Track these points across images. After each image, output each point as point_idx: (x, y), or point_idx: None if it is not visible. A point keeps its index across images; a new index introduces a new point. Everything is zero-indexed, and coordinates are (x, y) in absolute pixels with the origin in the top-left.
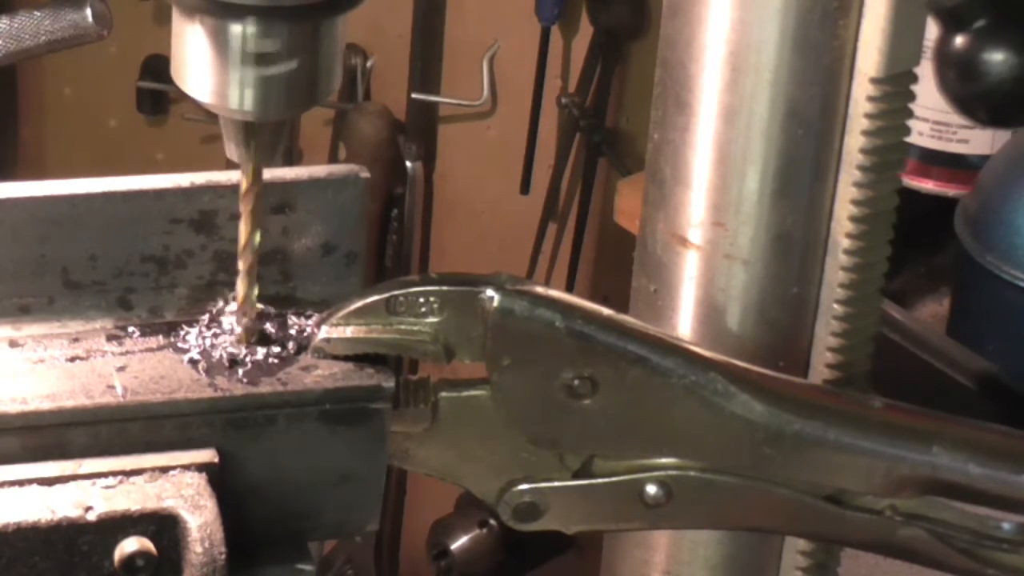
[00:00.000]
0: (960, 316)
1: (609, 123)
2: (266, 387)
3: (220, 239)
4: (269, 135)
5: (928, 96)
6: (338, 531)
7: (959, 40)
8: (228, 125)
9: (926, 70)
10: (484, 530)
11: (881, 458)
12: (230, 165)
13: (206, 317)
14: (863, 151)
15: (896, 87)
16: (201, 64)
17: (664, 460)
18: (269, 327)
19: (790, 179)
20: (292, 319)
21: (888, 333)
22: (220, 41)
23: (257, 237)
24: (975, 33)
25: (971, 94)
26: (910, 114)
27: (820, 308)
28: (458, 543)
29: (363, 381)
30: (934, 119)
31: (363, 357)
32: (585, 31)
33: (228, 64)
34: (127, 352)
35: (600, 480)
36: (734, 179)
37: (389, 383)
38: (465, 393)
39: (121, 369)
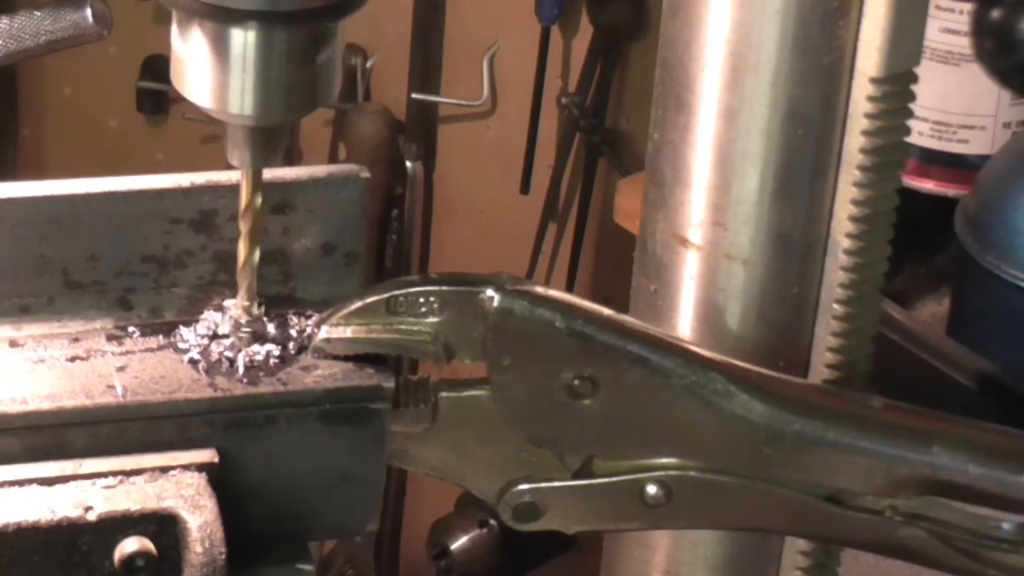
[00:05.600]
0: (960, 316)
1: (609, 123)
2: (266, 387)
3: (220, 239)
4: (269, 139)
5: (928, 96)
6: (338, 531)
7: (996, 12)
8: (228, 130)
9: (926, 70)
10: (484, 530)
11: (881, 458)
12: (230, 165)
13: (206, 317)
14: (863, 151)
15: (896, 87)
16: (201, 68)
17: (664, 460)
18: (269, 327)
19: (790, 179)
20: (292, 319)
21: (888, 333)
22: (220, 45)
23: (256, 255)
24: (1012, 4)
25: (1009, 64)
26: (910, 114)
27: (820, 308)
28: (458, 543)
29: (363, 381)
30: (934, 119)
31: (363, 357)
32: (585, 31)
33: (228, 68)
34: (127, 352)
35: (600, 480)
36: (734, 179)
37: (389, 383)
38: (465, 393)
39: (121, 369)
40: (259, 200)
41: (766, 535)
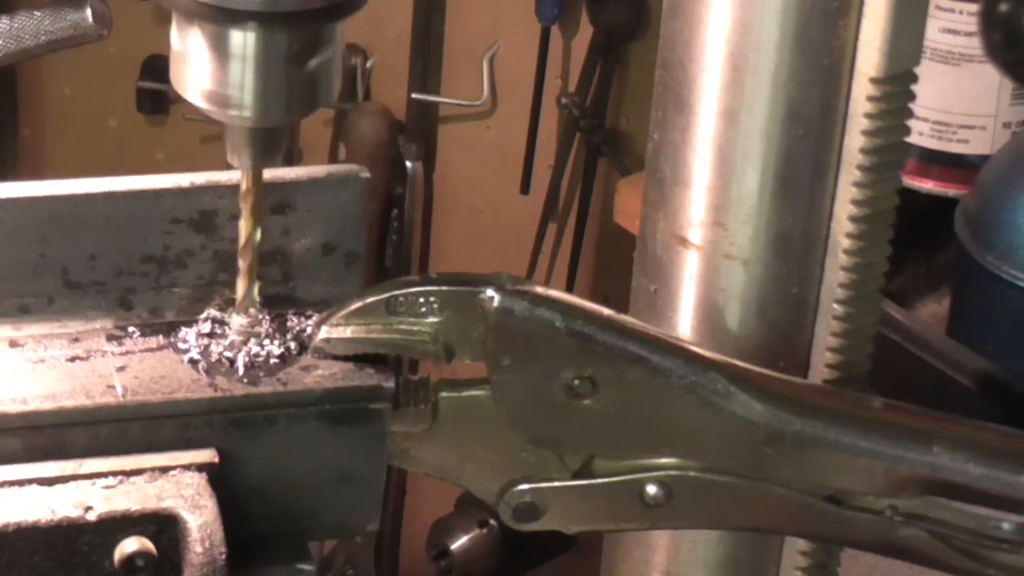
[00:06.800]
0: (960, 316)
1: (609, 123)
2: (266, 387)
3: (220, 239)
4: (269, 140)
5: (928, 96)
6: (338, 531)
7: (1004, 5)
8: (228, 130)
9: (926, 70)
10: (484, 530)
11: (881, 458)
12: (230, 165)
13: (206, 317)
14: (863, 151)
15: (896, 87)
16: (200, 69)
17: (664, 460)
18: (269, 327)
19: (790, 179)
20: (292, 319)
21: (888, 333)
22: (220, 47)
23: (258, 235)
24: None
25: (1017, 58)
26: (910, 114)
27: (820, 308)
28: (458, 543)
29: (363, 381)
30: (934, 119)
31: (363, 357)
32: (585, 31)
33: (228, 69)
34: (127, 352)
35: (600, 480)
36: (734, 179)
37: (389, 383)
38: (465, 393)
39: (121, 369)
40: (258, 236)
41: (766, 535)
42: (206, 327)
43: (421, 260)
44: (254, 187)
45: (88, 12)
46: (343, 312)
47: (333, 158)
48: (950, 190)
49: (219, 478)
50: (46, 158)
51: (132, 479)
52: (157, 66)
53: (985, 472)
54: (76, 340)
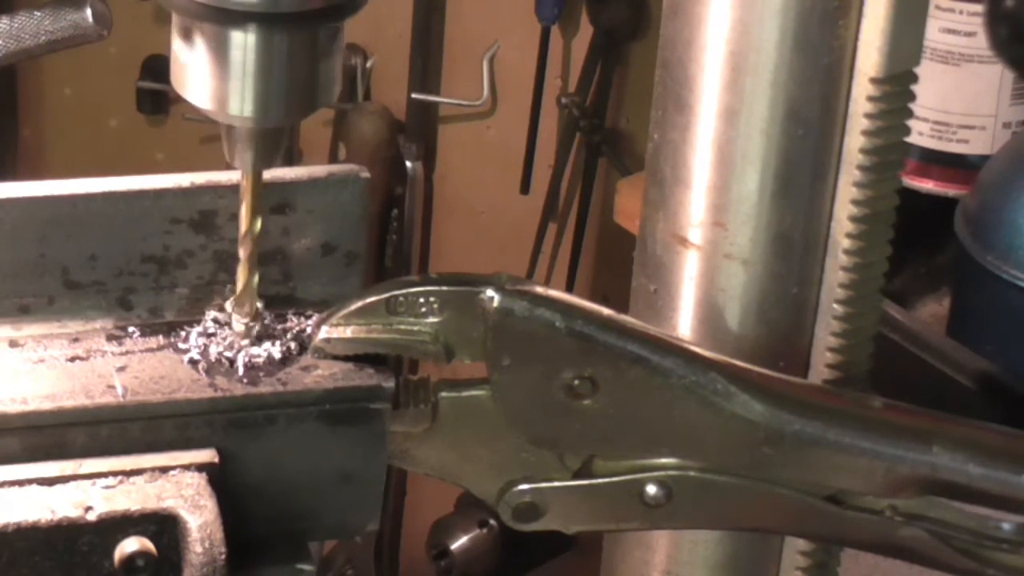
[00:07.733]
0: (960, 316)
1: (609, 123)
2: (266, 387)
3: (220, 239)
4: (270, 140)
5: (928, 96)
6: (338, 531)
7: (1010, 0)
8: (228, 131)
9: (926, 70)
10: (484, 530)
11: (881, 458)
12: (230, 165)
13: (206, 317)
14: (863, 151)
15: (896, 87)
16: (201, 70)
17: (664, 460)
18: (269, 327)
19: (790, 179)
20: (292, 319)
21: (888, 333)
22: (220, 48)
23: (258, 224)
24: None
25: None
26: (910, 114)
27: (820, 308)
28: (458, 543)
29: (363, 381)
30: (934, 119)
31: (363, 357)
32: (585, 31)
33: (228, 70)
34: (127, 352)
35: (600, 480)
36: (734, 179)
37: (389, 383)
38: (465, 393)
39: (121, 369)
40: (258, 225)
41: (766, 535)
42: (206, 327)
43: (421, 260)
44: (254, 186)
45: (88, 12)
46: (343, 312)
47: (333, 158)
48: (950, 190)
49: (219, 478)
50: (46, 158)
51: (132, 479)
52: (157, 66)
53: (985, 472)
54: (76, 340)
